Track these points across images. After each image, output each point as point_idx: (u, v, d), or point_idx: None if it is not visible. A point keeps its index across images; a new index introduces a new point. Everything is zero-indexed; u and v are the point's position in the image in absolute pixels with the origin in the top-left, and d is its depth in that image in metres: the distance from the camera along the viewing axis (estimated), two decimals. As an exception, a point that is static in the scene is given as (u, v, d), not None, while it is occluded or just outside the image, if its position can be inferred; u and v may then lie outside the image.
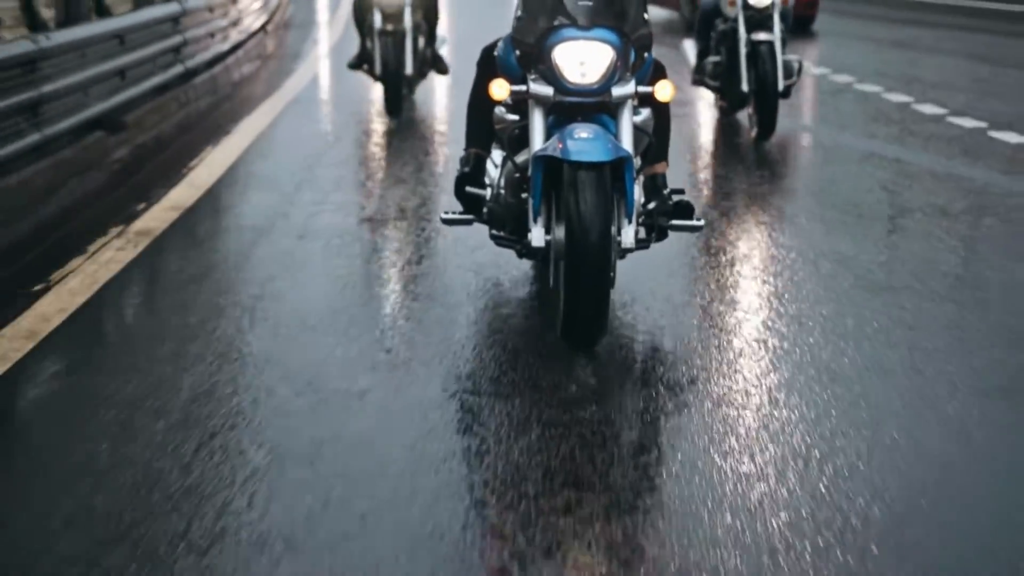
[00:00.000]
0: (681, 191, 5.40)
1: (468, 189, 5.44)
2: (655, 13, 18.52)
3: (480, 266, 5.95)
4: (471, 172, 5.46)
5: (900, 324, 5.22)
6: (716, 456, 3.95)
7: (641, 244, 5.16)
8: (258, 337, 5.04)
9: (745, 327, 5.22)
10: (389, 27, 10.17)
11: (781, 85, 9.15)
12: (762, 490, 3.69)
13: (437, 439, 4.07)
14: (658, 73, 5.21)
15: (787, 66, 9.30)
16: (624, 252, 5.04)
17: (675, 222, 5.29)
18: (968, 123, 10.12)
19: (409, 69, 10.24)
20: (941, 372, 4.67)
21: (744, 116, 9.75)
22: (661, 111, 5.28)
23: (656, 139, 5.24)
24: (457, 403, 4.37)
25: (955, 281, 5.95)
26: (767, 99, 9.16)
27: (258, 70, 13.51)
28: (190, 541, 3.39)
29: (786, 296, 5.63)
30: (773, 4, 9.29)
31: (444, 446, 4.02)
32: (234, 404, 4.34)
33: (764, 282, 5.88)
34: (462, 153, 5.54)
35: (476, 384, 4.56)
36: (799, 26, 18.16)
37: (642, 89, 4.97)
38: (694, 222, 5.36)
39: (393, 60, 10.10)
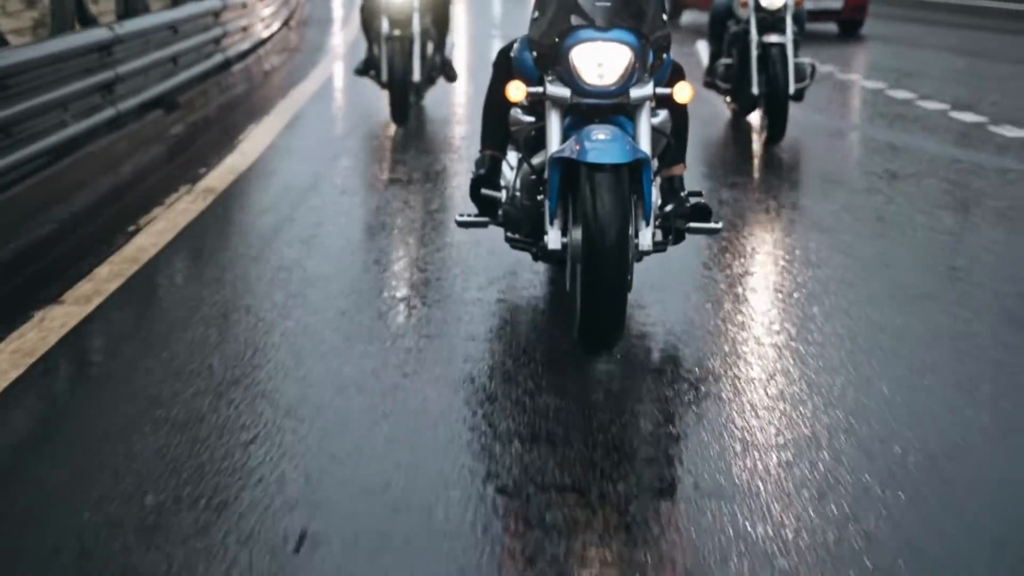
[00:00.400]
0: (699, 193, 5.48)
1: (483, 191, 5.48)
2: (693, 16, 19.70)
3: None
4: (486, 174, 5.48)
5: (838, 252, 6.48)
6: (678, 332, 5.23)
7: (658, 247, 5.18)
8: (318, 262, 6.30)
9: (708, 254, 6.44)
10: (396, 32, 9.98)
11: (792, 88, 9.15)
12: (717, 364, 4.93)
13: (468, 322, 5.37)
14: (676, 74, 5.21)
15: (799, 69, 9.27)
16: (641, 255, 5.04)
17: (692, 224, 5.33)
18: (932, 105, 11.36)
19: (417, 76, 10.03)
20: (867, 285, 5.92)
21: (755, 119, 9.96)
22: (679, 113, 5.25)
23: (674, 141, 5.22)
24: (479, 303, 5.63)
25: (890, 224, 7.22)
26: (777, 102, 9.13)
27: (285, 61, 14.76)
28: (288, 383, 4.69)
29: (750, 236, 6.89)
30: (786, 6, 9.22)
31: (473, 326, 5.32)
32: (308, 304, 5.60)
33: (733, 225, 7.06)
34: (477, 155, 5.64)
35: (493, 289, 5.83)
36: (848, 30, 18.16)
37: (660, 91, 4.94)
38: (712, 224, 5.39)
39: (400, 66, 9.90)
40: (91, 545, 3.49)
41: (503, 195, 5.45)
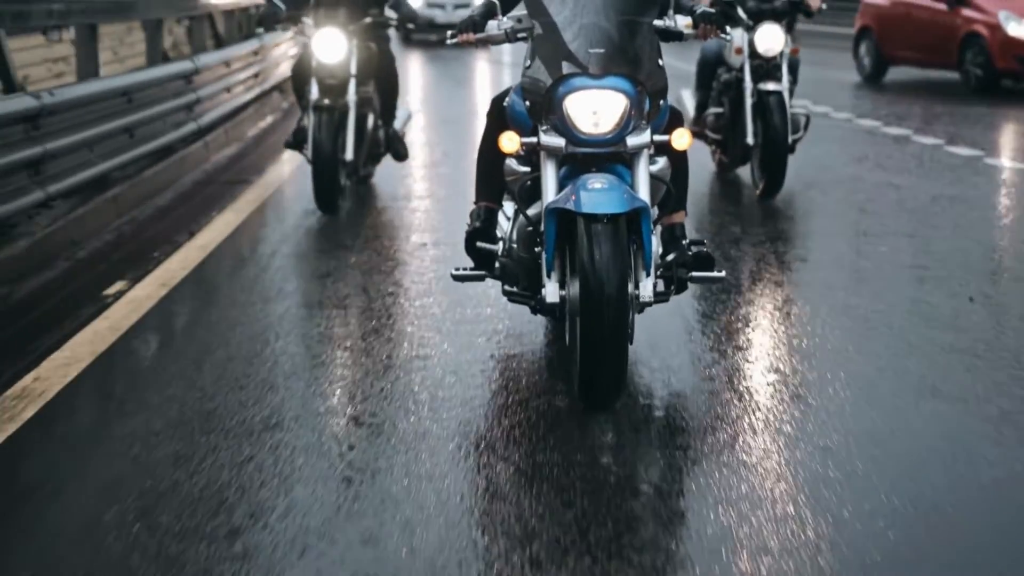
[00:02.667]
0: (701, 242, 5.50)
1: (479, 244, 5.43)
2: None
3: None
4: (482, 227, 5.45)
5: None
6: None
7: (660, 297, 5.14)
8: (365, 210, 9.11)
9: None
10: (327, 101, 8.60)
11: (789, 139, 8.91)
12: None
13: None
14: (675, 121, 5.22)
15: (794, 120, 9.09)
16: (643, 306, 4.98)
17: (695, 274, 5.30)
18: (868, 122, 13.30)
19: (349, 154, 8.68)
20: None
21: (746, 171, 9.61)
22: (678, 160, 5.25)
23: (674, 189, 5.21)
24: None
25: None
26: (776, 154, 8.86)
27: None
28: (346, 294, 6.63)
29: (713, 195, 7.67)
30: (782, 54, 9.03)
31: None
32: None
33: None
34: (471, 207, 5.60)
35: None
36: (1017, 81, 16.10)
37: (658, 138, 4.96)
38: (715, 273, 5.36)
39: (327, 142, 8.50)
40: None
41: (499, 247, 5.39)
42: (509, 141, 4.95)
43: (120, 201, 8.91)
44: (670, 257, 5.29)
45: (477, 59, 22.05)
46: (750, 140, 9.07)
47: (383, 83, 9.18)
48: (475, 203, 5.56)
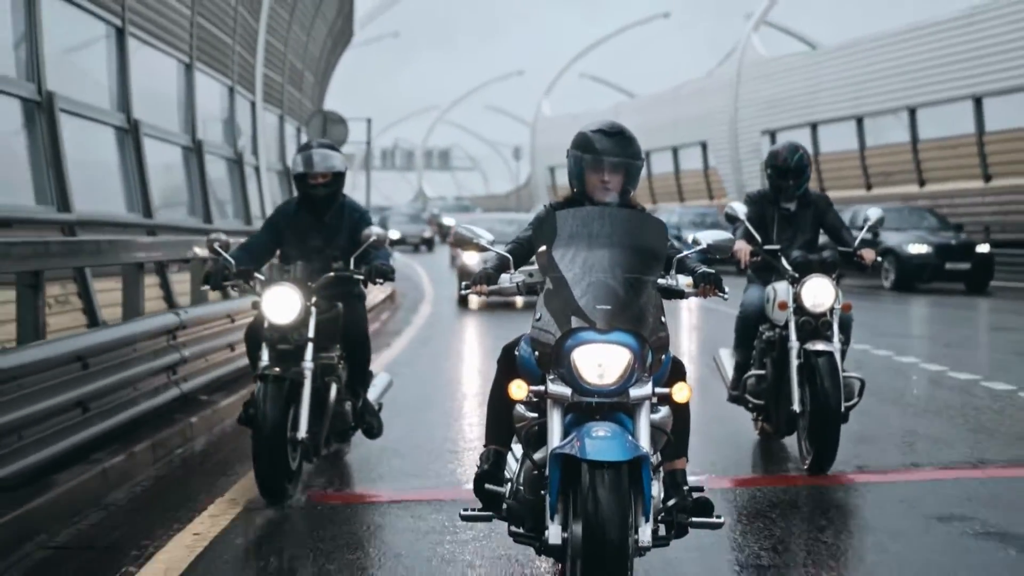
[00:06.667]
0: (700, 488, 5.76)
1: (487, 486, 5.75)
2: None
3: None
4: (490, 469, 5.78)
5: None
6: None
7: (660, 542, 5.46)
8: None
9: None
10: (276, 370, 7.50)
11: (842, 407, 8.11)
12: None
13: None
14: (676, 372, 5.59)
15: (847, 385, 8.36)
16: (642, 550, 5.20)
17: (694, 519, 5.59)
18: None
19: (302, 431, 7.52)
20: None
21: (791, 441, 8.79)
22: (680, 410, 5.59)
23: (675, 436, 5.57)
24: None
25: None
26: (827, 424, 8.00)
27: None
28: None
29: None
30: (832, 310, 8.38)
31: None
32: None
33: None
34: (482, 450, 5.92)
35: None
36: None
37: (659, 390, 5.29)
38: (714, 519, 5.64)
39: (272, 418, 7.31)
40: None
41: (507, 489, 5.73)
42: (518, 389, 5.31)
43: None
44: (671, 502, 5.61)
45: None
46: (796, 407, 8.36)
47: (352, 348, 8.32)
48: (485, 446, 5.94)
